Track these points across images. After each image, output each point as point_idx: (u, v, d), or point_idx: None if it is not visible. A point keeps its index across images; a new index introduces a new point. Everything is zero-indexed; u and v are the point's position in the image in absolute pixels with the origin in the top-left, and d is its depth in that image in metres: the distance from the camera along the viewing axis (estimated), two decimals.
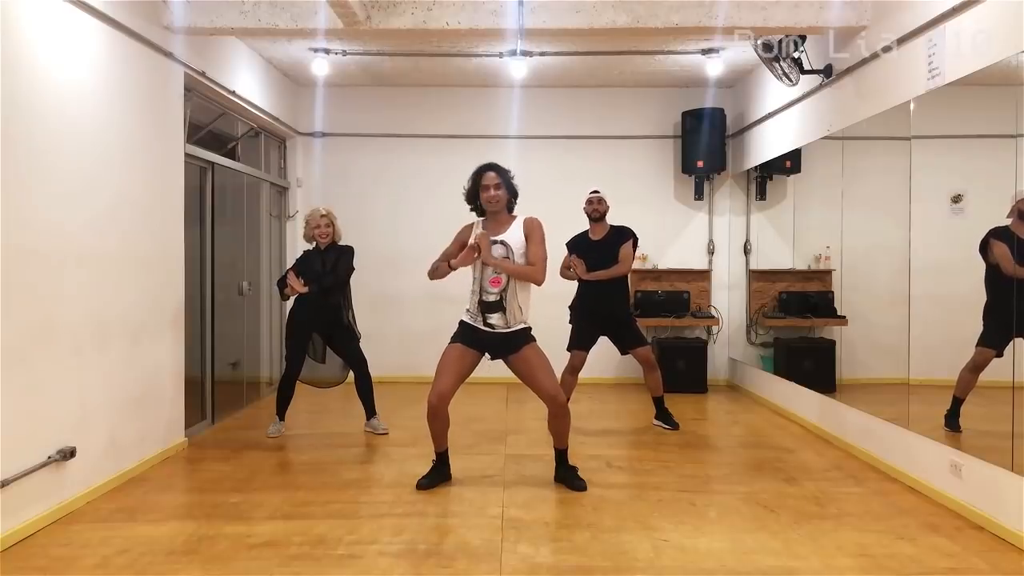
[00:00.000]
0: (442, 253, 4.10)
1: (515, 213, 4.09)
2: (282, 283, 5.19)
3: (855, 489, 4.08)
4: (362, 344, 5.35)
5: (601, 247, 5.34)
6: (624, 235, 5.35)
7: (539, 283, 3.97)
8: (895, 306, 4.40)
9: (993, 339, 3.87)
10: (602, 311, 5.32)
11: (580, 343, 5.35)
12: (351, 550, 3.21)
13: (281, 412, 5.26)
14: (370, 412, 5.35)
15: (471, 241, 3.95)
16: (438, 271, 4.07)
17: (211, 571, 3.02)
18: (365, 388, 5.32)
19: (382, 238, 7.36)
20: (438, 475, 4.15)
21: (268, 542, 3.28)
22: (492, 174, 3.99)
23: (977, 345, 3.94)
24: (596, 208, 5.38)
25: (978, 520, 3.52)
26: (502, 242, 3.95)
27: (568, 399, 5.31)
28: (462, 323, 4.08)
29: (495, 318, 3.96)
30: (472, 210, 4.13)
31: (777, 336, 6.67)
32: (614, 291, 5.33)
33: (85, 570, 3.03)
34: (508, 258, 3.94)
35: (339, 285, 5.16)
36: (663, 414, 5.53)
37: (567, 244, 5.47)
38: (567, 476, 4.14)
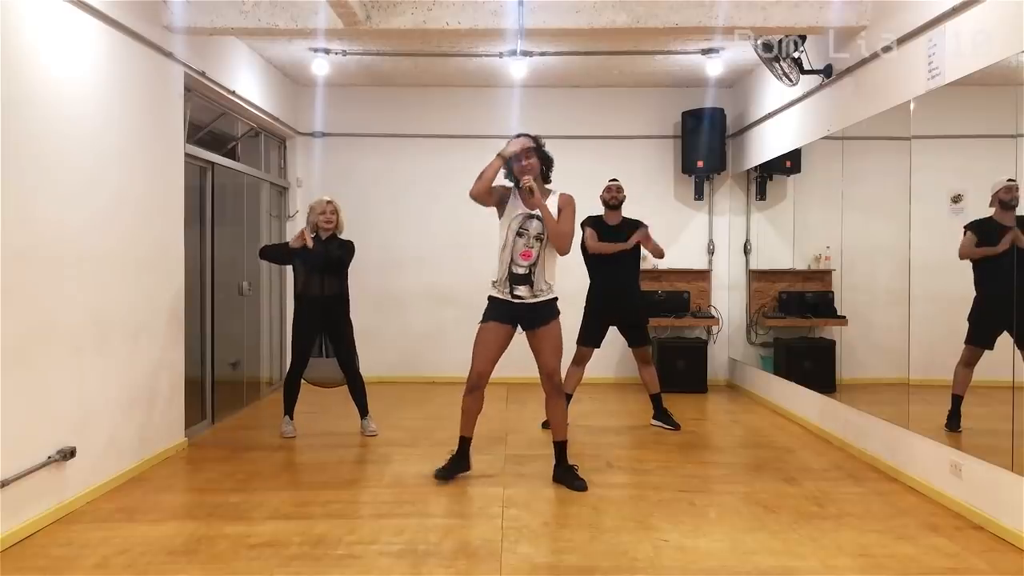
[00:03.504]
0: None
1: (550, 187, 4.13)
2: (270, 250, 5.39)
3: (855, 489, 4.08)
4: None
5: (616, 233, 5.52)
6: (638, 228, 5.54)
7: (566, 251, 4.07)
8: (895, 306, 4.40)
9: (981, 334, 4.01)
10: (617, 307, 5.48)
11: (590, 340, 5.49)
12: (351, 550, 3.21)
13: (289, 410, 5.27)
14: (362, 412, 5.36)
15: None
16: (486, 171, 3.94)
17: (211, 571, 3.02)
18: (356, 388, 5.33)
19: (382, 238, 7.36)
20: (457, 466, 4.19)
21: (268, 542, 3.28)
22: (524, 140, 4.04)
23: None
24: (615, 196, 5.55)
25: (978, 520, 3.52)
26: (539, 218, 4.01)
27: (572, 391, 5.47)
28: (491, 299, 4.11)
29: (522, 290, 4.03)
30: (512, 182, 4.14)
31: (777, 336, 6.67)
32: (629, 289, 5.53)
33: (85, 570, 3.03)
34: (542, 235, 4.01)
35: (341, 266, 5.18)
36: (662, 414, 5.56)
37: (583, 223, 5.56)
38: (566, 476, 4.14)
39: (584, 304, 5.55)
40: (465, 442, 4.24)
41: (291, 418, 5.27)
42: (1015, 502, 3.30)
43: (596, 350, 5.53)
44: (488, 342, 4.08)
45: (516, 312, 4.06)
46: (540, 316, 4.06)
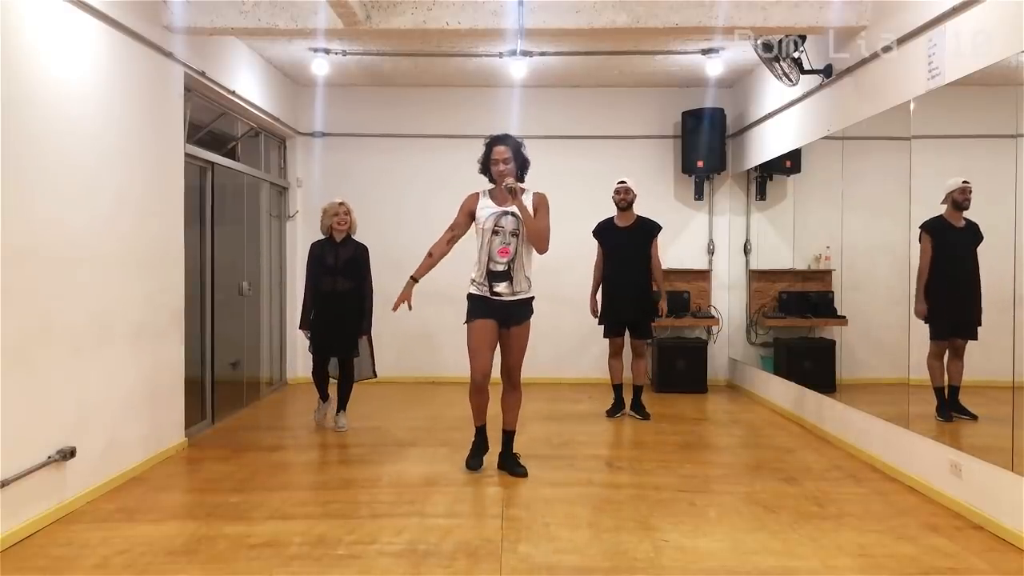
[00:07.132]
0: (451, 224, 4.27)
1: (523, 185, 4.21)
2: (306, 309, 5.46)
3: (855, 489, 4.08)
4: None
5: (628, 234, 5.78)
6: (651, 231, 5.78)
7: (544, 250, 4.17)
8: (895, 306, 4.40)
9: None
10: (624, 301, 5.75)
11: (615, 330, 5.83)
12: (351, 550, 3.21)
13: (323, 396, 5.58)
14: (340, 406, 5.52)
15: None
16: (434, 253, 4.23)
17: (211, 571, 3.02)
18: (344, 382, 5.53)
19: (382, 238, 7.30)
20: (481, 451, 4.38)
21: (268, 542, 3.28)
22: (502, 148, 4.16)
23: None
24: (624, 197, 5.79)
25: (978, 520, 3.52)
26: (514, 214, 4.11)
27: (620, 381, 5.85)
28: (473, 297, 4.21)
29: (501, 287, 4.13)
30: (490, 181, 4.27)
31: (777, 336, 6.67)
32: (635, 285, 5.73)
33: (85, 570, 3.03)
34: (518, 231, 4.11)
35: (356, 266, 5.45)
36: (638, 405, 5.83)
37: (594, 232, 5.92)
38: (509, 462, 4.29)
39: (602, 298, 5.88)
40: (482, 430, 4.39)
41: (323, 402, 5.57)
42: (1015, 502, 3.30)
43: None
44: (481, 341, 4.16)
45: (496, 308, 4.15)
46: (516, 315, 4.17)
